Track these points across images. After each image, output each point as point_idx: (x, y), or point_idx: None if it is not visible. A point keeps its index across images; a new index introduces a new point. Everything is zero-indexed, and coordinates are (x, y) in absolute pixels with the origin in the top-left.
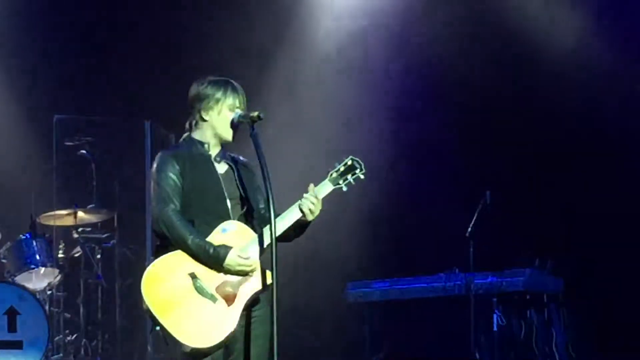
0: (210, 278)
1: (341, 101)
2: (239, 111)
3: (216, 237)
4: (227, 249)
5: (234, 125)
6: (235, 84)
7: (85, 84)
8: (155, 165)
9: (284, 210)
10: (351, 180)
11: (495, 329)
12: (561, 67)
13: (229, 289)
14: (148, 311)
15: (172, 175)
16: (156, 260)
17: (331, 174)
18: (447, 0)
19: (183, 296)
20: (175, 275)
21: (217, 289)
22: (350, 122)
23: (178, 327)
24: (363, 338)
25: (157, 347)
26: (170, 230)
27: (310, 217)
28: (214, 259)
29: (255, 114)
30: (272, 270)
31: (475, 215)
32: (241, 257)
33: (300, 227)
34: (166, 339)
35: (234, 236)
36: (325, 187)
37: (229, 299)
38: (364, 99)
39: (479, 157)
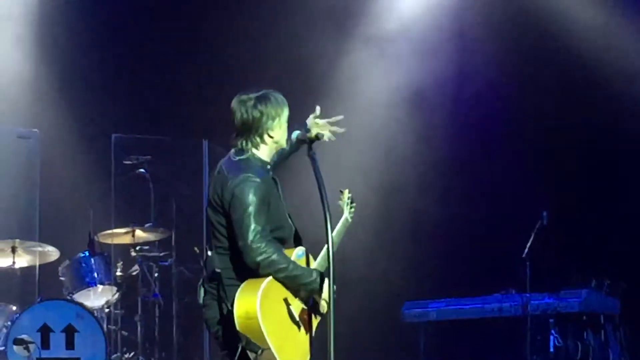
0: (296, 304)
1: (393, 119)
2: (297, 131)
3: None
4: (321, 275)
5: (292, 143)
6: (280, 93)
7: (143, 103)
8: (242, 188)
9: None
10: (352, 214)
11: (551, 349)
12: (622, 86)
13: (305, 317)
14: (257, 335)
15: (262, 200)
16: (263, 285)
17: (348, 210)
18: (508, 20)
19: (282, 321)
20: (276, 300)
21: (300, 314)
22: (404, 141)
23: (282, 352)
24: (419, 358)
25: None
26: (268, 261)
27: None
28: (312, 285)
29: (314, 134)
30: (329, 290)
31: (532, 236)
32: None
33: None
34: None
35: (304, 262)
36: (347, 221)
37: (307, 327)
38: (416, 119)
39: (536, 177)
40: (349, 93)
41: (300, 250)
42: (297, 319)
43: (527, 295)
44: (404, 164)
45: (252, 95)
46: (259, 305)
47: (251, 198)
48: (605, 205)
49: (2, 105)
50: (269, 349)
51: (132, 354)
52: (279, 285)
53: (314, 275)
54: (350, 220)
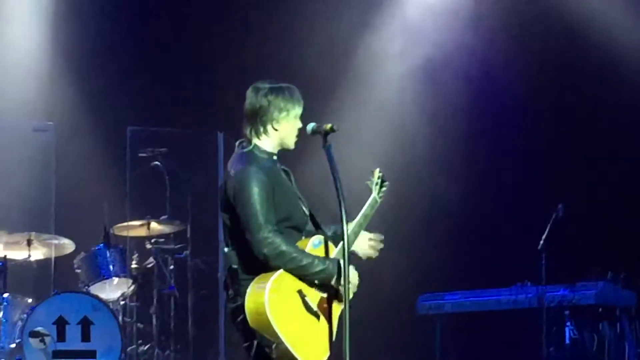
0: (313, 294)
1: (409, 115)
2: (312, 123)
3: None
4: (335, 261)
5: (297, 136)
6: (298, 91)
7: (158, 95)
8: (243, 181)
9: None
10: (383, 194)
11: (567, 342)
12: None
13: (325, 306)
14: (268, 330)
15: (265, 191)
16: (271, 280)
17: (376, 189)
18: (520, 12)
19: (296, 313)
20: (288, 293)
21: (318, 305)
22: (420, 135)
23: (297, 344)
24: (434, 350)
25: None
26: (276, 252)
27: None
28: (327, 273)
29: (329, 126)
30: (344, 283)
31: (548, 228)
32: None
33: None
34: (280, 358)
35: (322, 251)
36: (375, 201)
37: (327, 316)
38: (432, 112)
39: (551, 169)
40: (369, 72)
41: (316, 239)
42: (315, 309)
43: (543, 287)
44: (419, 153)
45: (267, 85)
46: (267, 301)
47: (254, 190)
48: (621, 197)
49: (18, 98)
50: (283, 343)
51: (147, 346)
52: (292, 277)
53: (326, 263)
54: (379, 200)
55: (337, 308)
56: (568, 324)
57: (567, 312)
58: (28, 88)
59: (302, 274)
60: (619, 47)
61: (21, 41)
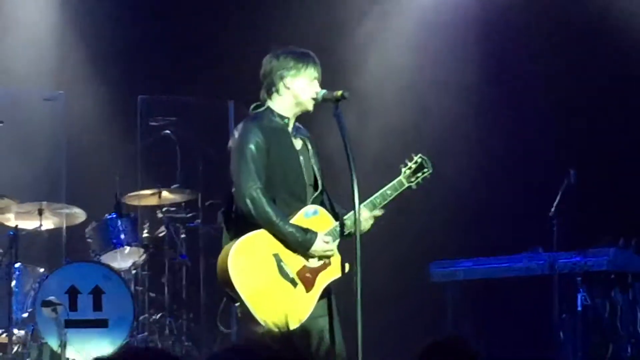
0: (292, 261)
1: (419, 81)
2: (323, 90)
3: (299, 221)
4: (313, 234)
5: (317, 102)
6: (314, 55)
7: (169, 64)
8: (239, 136)
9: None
10: (420, 180)
11: (579, 308)
12: None
13: (308, 275)
14: (230, 286)
15: (259, 149)
16: (243, 237)
17: (405, 172)
18: None
19: (266, 276)
20: (261, 254)
21: (298, 272)
22: (429, 103)
23: (259, 305)
24: (446, 317)
25: (225, 323)
26: (258, 210)
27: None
28: (302, 245)
29: (339, 93)
30: (356, 254)
31: (559, 194)
32: (325, 243)
33: None
34: (243, 316)
35: (316, 222)
36: (400, 184)
37: (308, 285)
38: (442, 80)
39: (563, 135)
40: (379, 34)
41: (311, 208)
42: (292, 275)
43: (555, 254)
44: (430, 119)
45: (280, 50)
46: (231, 258)
47: (246, 146)
48: (633, 163)
49: (28, 67)
50: (243, 302)
51: (159, 315)
52: (270, 240)
53: (306, 234)
54: (406, 184)
55: (324, 279)
56: (580, 290)
57: (579, 279)
58: (38, 57)
59: (280, 238)
60: (629, 15)
61: (32, 10)
